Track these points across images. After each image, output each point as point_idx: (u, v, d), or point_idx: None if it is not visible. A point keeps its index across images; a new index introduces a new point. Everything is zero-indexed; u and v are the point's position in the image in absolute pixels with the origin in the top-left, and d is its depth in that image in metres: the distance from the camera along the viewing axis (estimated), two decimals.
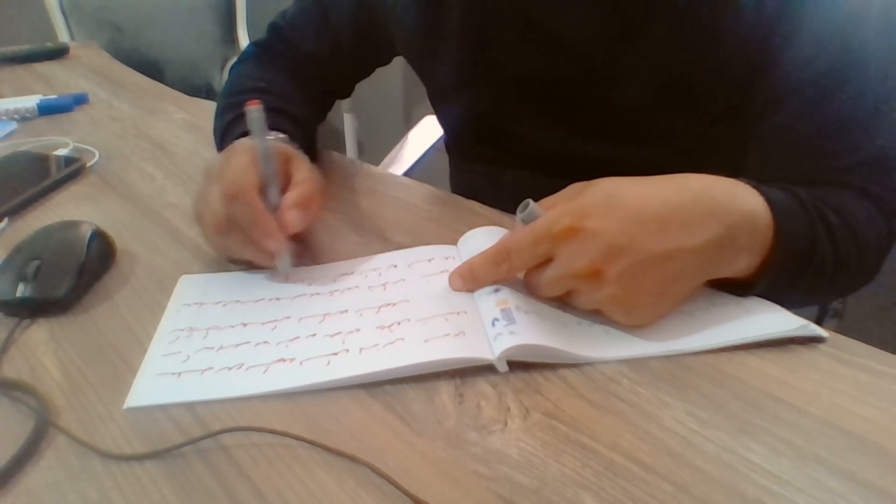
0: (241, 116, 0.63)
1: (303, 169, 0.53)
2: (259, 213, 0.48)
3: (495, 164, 0.73)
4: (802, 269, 0.46)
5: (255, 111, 0.49)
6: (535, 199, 0.45)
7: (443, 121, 0.80)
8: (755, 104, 0.54)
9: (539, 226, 0.43)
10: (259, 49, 0.77)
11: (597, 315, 0.44)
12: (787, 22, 0.51)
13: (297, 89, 0.72)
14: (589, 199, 0.42)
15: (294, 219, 0.49)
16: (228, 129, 0.64)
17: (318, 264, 0.53)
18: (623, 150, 0.61)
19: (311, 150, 0.70)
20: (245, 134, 0.61)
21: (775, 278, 0.45)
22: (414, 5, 0.66)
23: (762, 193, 0.45)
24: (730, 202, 0.43)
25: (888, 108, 0.51)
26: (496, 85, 0.65)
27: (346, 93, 0.81)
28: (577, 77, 0.60)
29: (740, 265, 0.45)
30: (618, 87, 0.58)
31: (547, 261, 0.43)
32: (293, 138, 0.61)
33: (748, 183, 0.46)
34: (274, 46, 0.77)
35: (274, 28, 0.77)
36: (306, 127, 0.68)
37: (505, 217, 0.60)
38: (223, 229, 0.49)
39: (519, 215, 0.45)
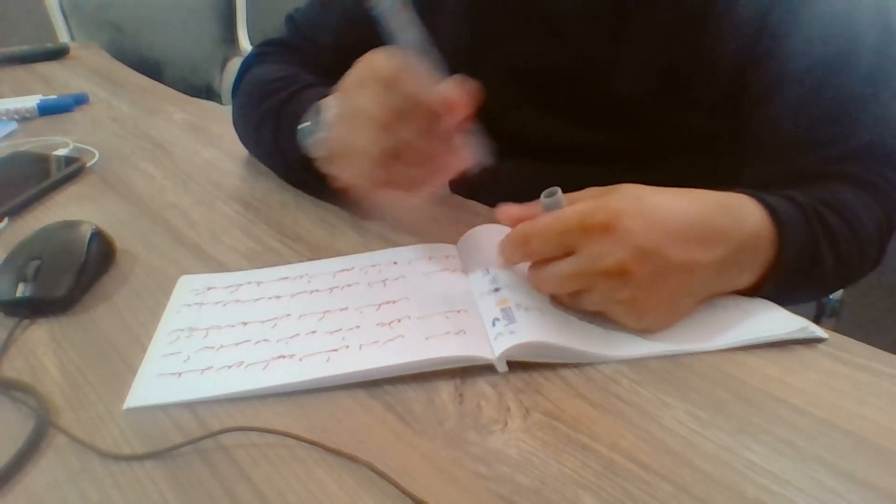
0: (288, 100, 0.59)
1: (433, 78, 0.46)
2: (430, 91, 0.41)
3: (496, 160, 0.73)
4: (802, 281, 0.47)
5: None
6: (534, 188, 0.44)
7: None
8: (750, 94, 0.55)
9: (569, 216, 0.41)
10: (276, 47, 0.74)
11: (598, 316, 0.44)
12: (782, 11, 0.51)
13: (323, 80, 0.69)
14: (619, 201, 0.42)
15: (467, 91, 0.43)
16: (283, 120, 0.60)
17: (318, 259, 0.53)
18: (620, 139, 0.61)
19: None
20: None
21: (774, 290, 0.46)
22: None
23: (767, 209, 0.45)
24: (740, 221, 0.44)
25: (881, 98, 0.52)
26: (492, 74, 0.65)
27: None
28: (574, 66, 0.60)
29: (741, 282, 0.45)
30: (614, 75, 0.58)
31: (561, 255, 0.42)
32: None
33: (752, 195, 0.46)
34: (292, 42, 0.74)
35: (289, 21, 0.74)
36: None
37: None
38: (391, 127, 0.42)
39: (544, 200, 0.43)
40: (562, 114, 0.64)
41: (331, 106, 0.49)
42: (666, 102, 0.58)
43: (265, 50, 0.75)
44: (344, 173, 0.48)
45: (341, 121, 0.46)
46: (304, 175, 0.60)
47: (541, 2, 0.59)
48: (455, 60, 0.67)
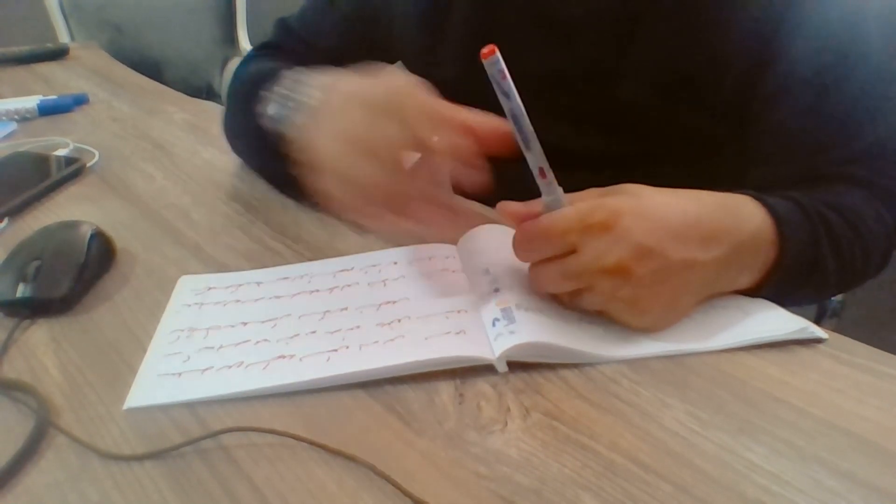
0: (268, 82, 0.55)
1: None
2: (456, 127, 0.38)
3: (497, 159, 0.73)
4: (804, 282, 0.47)
5: (493, 58, 0.38)
6: (537, 191, 0.44)
7: None
8: (757, 98, 0.55)
9: (569, 215, 0.42)
10: (269, 50, 0.73)
11: (598, 316, 0.44)
12: (791, 17, 0.51)
13: None
14: (619, 200, 0.42)
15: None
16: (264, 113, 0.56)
17: (318, 259, 0.53)
18: (626, 143, 0.61)
19: None
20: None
21: (776, 290, 0.46)
22: None
23: (768, 210, 0.45)
24: (739, 221, 0.44)
25: (888, 101, 0.52)
26: None
27: None
28: (582, 71, 0.60)
29: (741, 282, 0.45)
30: (622, 81, 0.58)
31: (563, 254, 0.42)
32: None
33: (753, 196, 0.46)
34: (286, 45, 0.73)
35: (282, 25, 0.74)
36: None
37: None
38: (399, 171, 0.38)
39: (545, 199, 0.43)
40: (568, 119, 0.63)
41: (323, 109, 0.45)
42: (673, 107, 0.58)
43: (258, 53, 0.74)
44: (328, 190, 0.44)
45: (341, 139, 0.41)
46: (274, 164, 0.54)
47: (550, 7, 0.59)
48: (463, 65, 0.67)
